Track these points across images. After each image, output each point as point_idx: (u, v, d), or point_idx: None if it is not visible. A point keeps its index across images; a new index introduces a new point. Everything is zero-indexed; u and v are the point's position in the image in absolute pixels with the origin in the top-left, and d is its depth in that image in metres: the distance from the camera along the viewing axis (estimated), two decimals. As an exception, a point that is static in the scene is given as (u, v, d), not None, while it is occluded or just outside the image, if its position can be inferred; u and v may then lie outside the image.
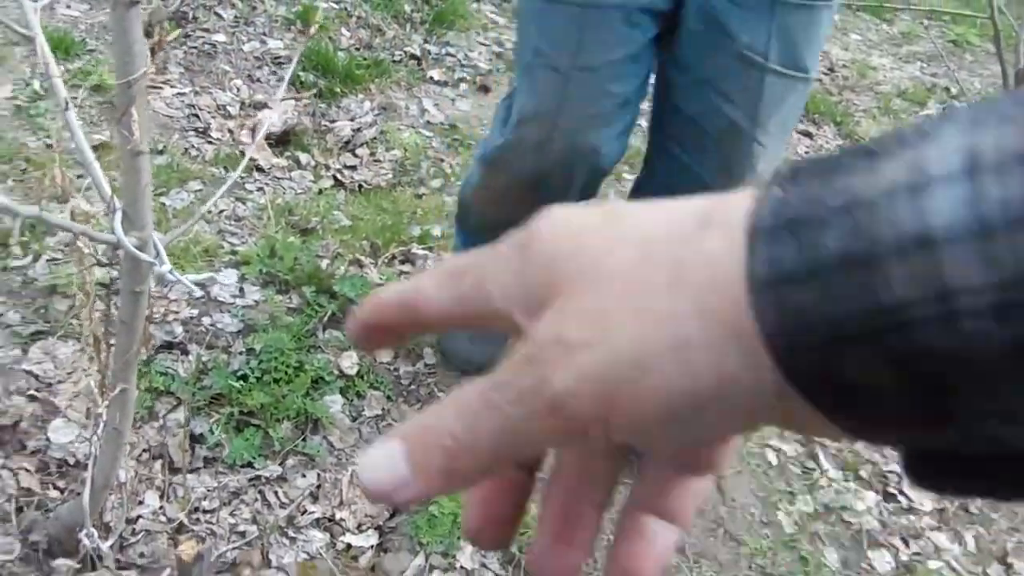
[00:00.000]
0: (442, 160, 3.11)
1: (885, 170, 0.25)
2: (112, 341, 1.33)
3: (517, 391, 0.28)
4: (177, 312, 2.14)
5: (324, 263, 2.34)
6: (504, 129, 1.78)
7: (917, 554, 2.14)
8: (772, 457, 2.24)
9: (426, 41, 3.74)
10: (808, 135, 3.80)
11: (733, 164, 1.65)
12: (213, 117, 2.95)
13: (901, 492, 2.26)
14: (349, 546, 1.72)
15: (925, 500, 2.25)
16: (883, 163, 0.25)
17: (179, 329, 2.08)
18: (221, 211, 2.60)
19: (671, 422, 0.27)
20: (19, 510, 1.60)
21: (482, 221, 2.00)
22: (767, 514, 2.07)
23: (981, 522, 2.23)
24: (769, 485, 2.15)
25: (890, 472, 2.30)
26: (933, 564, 2.10)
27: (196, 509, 1.71)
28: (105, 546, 1.56)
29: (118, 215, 1.05)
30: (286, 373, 1.94)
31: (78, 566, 1.52)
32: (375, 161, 3.02)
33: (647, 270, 0.28)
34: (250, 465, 1.79)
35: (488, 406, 0.29)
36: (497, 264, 0.31)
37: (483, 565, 1.74)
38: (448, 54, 3.72)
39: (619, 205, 0.31)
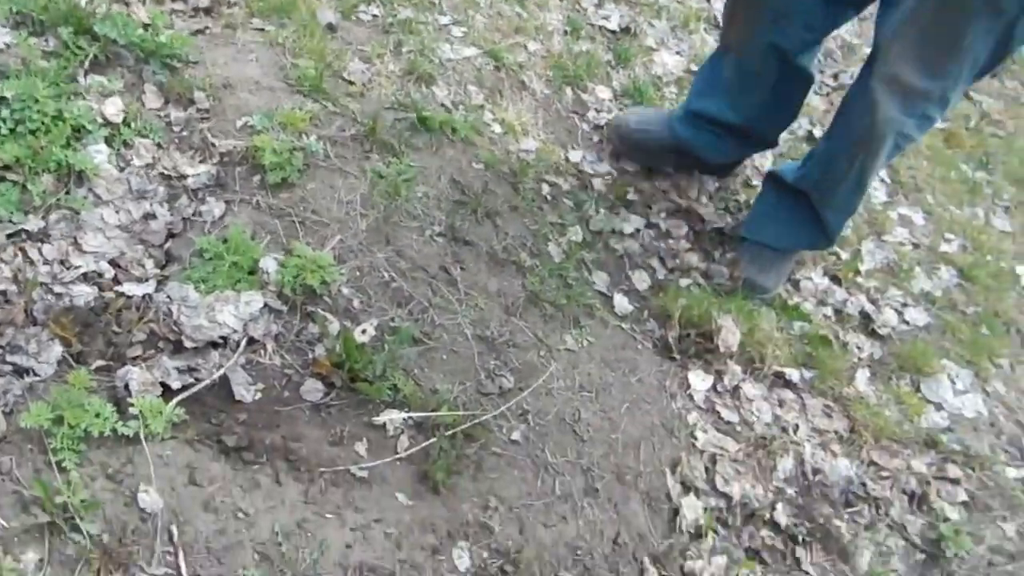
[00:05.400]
0: None
1: None
2: None
3: None
4: (-80, 57, 1.85)
5: (83, 0, 2.04)
6: None
7: (672, 271, 2.21)
8: (546, 190, 2.21)
9: None
10: None
11: None
12: None
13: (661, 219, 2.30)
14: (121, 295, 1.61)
15: (683, 226, 2.30)
16: None
17: (-77, 76, 1.80)
18: (-30, -58, 2.22)
19: None
20: None
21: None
22: (537, 245, 2.07)
23: (730, 243, 2.30)
24: (542, 218, 2.13)
25: (654, 203, 2.33)
26: (684, 281, 2.18)
27: (-47, 268, 1.55)
28: None
29: None
30: (43, 123, 1.71)
31: None
32: None
33: None
34: (9, 222, 1.61)
35: None
36: None
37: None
38: None
39: None
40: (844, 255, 2.39)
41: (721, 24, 2.17)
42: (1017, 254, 2.61)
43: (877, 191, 2.64)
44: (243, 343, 1.62)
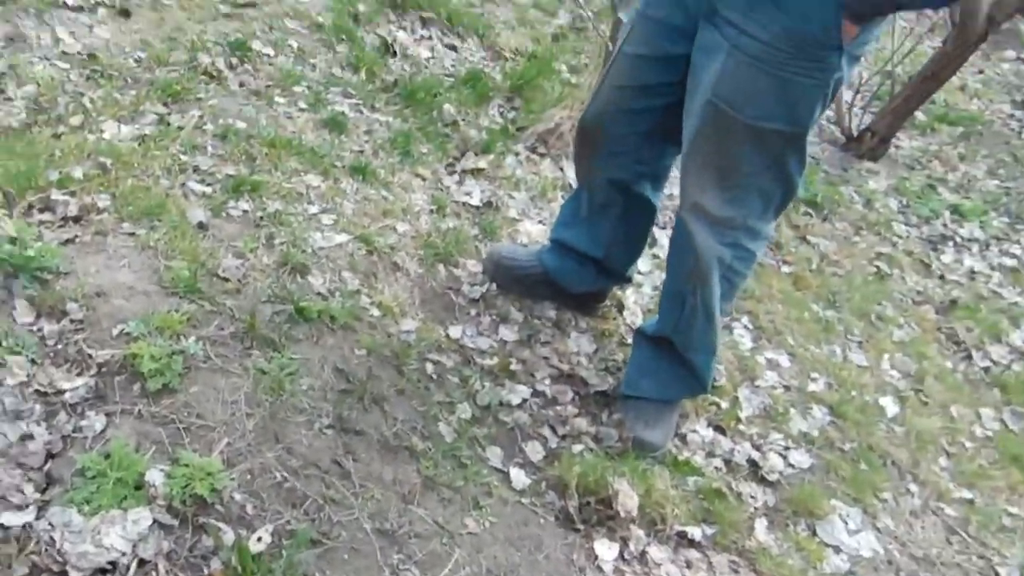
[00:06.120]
0: (82, 94, 2.73)
1: None
2: None
3: None
4: None
5: (-55, 220, 1.98)
6: None
7: (563, 438, 2.23)
8: (430, 369, 2.22)
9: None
10: (454, 48, 3.73)
11: None
12: None
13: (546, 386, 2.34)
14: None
15: (568, 391, 2.34)
16: None
17: None
18: None
19: None
20: None
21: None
22: (427, 427, 2.05)
23: (614, 403, 2.35)
24: (429, 399, 2.13)
25: (537, 371, 2.36)
26: (576, 447, 2.19)
27: None
28: None
29: None
30: (-98, 352, 1.63)
31: None
32: (6, 99, 2.60)
33: None
34: None
35: None
36: None
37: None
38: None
39: None
40: (724, 404, 2.47)
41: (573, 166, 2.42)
42: (877, 387, 2.76)
43: (743, 338, 2.77)
44: (133, 566, 1.52)
